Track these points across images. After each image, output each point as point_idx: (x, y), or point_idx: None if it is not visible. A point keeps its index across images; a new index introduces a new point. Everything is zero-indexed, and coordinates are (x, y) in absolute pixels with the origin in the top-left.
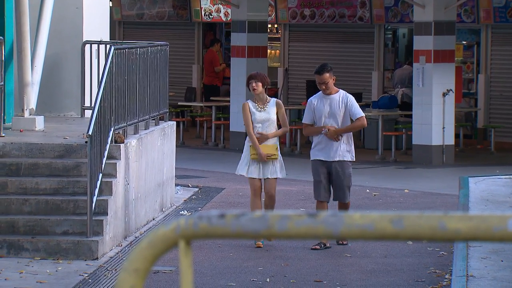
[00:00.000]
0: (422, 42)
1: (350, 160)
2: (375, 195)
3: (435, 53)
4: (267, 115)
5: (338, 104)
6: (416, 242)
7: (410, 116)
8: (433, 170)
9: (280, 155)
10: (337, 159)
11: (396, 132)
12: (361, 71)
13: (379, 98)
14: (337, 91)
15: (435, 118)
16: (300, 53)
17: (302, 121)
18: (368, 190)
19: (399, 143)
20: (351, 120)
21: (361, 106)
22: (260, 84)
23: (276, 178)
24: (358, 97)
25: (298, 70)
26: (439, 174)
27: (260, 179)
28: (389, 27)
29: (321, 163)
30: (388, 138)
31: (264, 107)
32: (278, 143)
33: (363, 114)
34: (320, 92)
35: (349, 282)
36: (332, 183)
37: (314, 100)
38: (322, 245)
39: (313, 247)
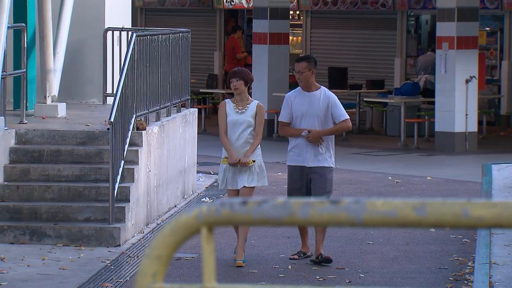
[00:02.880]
0: (445, 29)
1: (331, 166)
2: (397, 182)
3: (458, 40)
4: (243, 118)
5: (319, 103)
6: (438, 229)
7: (433, 103)
8: (456, 157)
9: (262, 162)
10: (316, 164)
11: (418, 119)
12: (383, 58)
13: (402, 85)
14: (318, 88)
15: (458, 105)
16: (322, 40)
17: (279, 119)
18: (390, 177)
19: (421, 130)
20: (334, 122)
21: (383, 93)
22: (242, 82)
23: (253, 187)
24: (381, 84)
25: (320, 57)
26: (462, 161)
27: (238, 190)
28: (412, 14)
29: (298, 170)
30: (411, 125)
31: (242, 110)
32: (259, 157)
33: (347, 117)
34: (299, 87)
35: (371, 270)
36: (311, 190)
37: (292, 95)
38: (301, 255)
39: (291, 256)
